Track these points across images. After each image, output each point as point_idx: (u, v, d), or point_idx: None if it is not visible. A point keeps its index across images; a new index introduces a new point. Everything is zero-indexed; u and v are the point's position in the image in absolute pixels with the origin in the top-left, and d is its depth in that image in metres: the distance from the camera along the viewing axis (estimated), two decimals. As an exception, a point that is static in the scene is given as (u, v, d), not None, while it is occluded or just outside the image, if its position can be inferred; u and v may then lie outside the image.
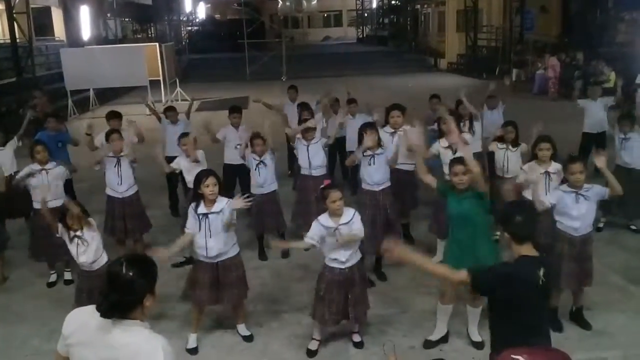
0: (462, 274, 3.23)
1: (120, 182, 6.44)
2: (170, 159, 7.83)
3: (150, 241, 6.88)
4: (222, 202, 4.71)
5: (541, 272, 3.14)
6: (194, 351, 4.90)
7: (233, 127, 7.68)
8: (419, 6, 37.61)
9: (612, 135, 7.73)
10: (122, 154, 6.44)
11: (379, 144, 5.84)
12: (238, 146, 7.31)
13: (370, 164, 5.86)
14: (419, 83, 23.56)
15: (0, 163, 7.04)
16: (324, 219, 4.60)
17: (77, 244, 4.92)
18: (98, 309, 2.36)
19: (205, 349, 4.96)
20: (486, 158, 7.19)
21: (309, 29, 58.30)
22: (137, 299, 2.39)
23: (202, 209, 4.69)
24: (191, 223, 4.74)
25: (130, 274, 2.37)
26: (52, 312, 5.56)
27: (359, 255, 4.76)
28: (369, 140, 5.68)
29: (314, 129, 6.76)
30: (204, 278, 4.78)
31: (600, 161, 4.85)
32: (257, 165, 6.58)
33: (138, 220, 6.64)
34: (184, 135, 6.58)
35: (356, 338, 4.95)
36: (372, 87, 22.38)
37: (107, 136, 6.63)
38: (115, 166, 6.42)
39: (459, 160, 4.66)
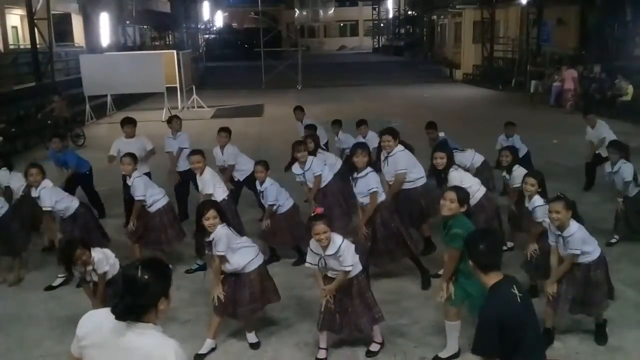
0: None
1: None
2: (183, 173, 7.93)
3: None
4: (215, 234, 4.76)
5: (515, 290, 3.16)
6: (200, 357, 4.90)
7: (219, 148, 7.76)
8: (435, 17, 37.65)
9: None
10: (132, 178, 6.46)
11: (368, 163, 5.98)
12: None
13: (354, 186, 6.03)
14: (435, 93, 23.55)
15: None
16: (314, 244, 4.66)
17: (92, 275, 5.09)
18: (113, 311, 2.39)
19: (215, 355, 4.97)
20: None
21: (325, 39, 58.62)
22: (152, 302, 2.42)
23: (208, 237, 4.81)
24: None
25: (146, 277, 2.40)
26: (64, 314, 5.61)
27: (358, 268, 4.77)
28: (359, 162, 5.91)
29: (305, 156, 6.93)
30: (224, 289, 4.89)
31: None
32: (260, 194, 6.69)
33: (157, 234, 6.62)
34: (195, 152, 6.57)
35: (372, 347, 4.91)
36: (388, 97, 22.42)
37: (122, 158, 6.66)
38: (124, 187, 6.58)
39: (453, 188, 4.71)
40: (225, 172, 7.71)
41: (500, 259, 3.31)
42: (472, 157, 7.70)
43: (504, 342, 3.15)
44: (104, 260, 5.08)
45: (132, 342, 2.40)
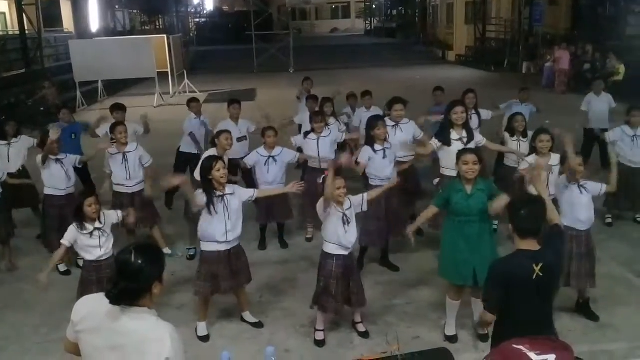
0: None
1: (129, 177, 6.40)
2: (188, 156, 7.83)
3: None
4: (232, 186, 4.89)
5: (538, 267, 3.14)
6: (206, 339, 4.99)
7: (232, 121, 7.68)
8: (427, -2, 37.45)
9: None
10: (127, 150, 6.41)
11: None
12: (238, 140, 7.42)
13: (383, 158, 5.93)
14: (427, 75, 23.48)
15: (10, 155, 7.09)
16: (332, 209, 4.66)
17: (99, 236, 4.92)
18: (107, 296, 2.40)
19: (212, 338, 5.02)
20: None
21: (316, 21, 58.18)
22: (146, 287, 2.44)
23: (217, 193, 4.76)
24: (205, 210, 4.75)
25: (139, 261, 2.41)
26: (60, 300, 5.60)
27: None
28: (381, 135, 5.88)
29: (324, 123, 6.86)
30: (219, 269, 4.84)
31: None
32: (266, 161, 6.48)
33: (147, 212, 6.62)
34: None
35: (361, 328, 5.00)
36: (380, 79, 22.33)
37: (112, 128, 6.58)
38: (122, 162, 6.40)
39: (470, 150, 4.71)
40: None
41: (539, 228, 3.27)
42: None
43: (506, 302, 3.20)
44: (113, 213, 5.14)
45: (127, 326, 2.42)
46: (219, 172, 4.69)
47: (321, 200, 4.67)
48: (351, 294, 4.77)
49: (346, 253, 4.70)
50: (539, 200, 3.46)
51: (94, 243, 4.92)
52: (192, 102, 8.25)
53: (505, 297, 3.20)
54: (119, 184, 6.47)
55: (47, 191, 6.36)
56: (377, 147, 5.90)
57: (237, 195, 4.84)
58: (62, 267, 6.41)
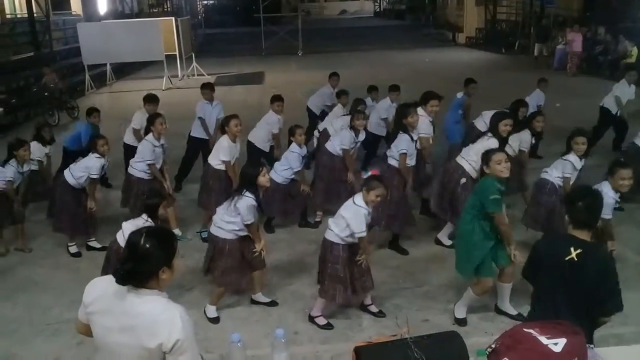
0: None
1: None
2: (200, 141, 7.99)
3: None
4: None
5: (575, 251, 3.11)
6: (215, 320, 5.02)
7: (278, 116, 7.72)
8: (437, -21, 37.01)
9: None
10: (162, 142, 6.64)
11: None
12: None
13: (415, 147, 6.04)
14: (437, 58, 23.29)
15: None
16: (364, 204, 4.63)
17: None
18: (114, 275, 2.42)
19: (221, 320, 5.04)
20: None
21: (325, 3, 57.74)
22: (152, 270, 2.43)
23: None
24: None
25: (148, 245, 2.41)
26: (71, 282, 5.68)
27: None
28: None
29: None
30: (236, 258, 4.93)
31: None
32: (302, 158, 6.68)
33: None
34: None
35: (374, 309, 5.03)
36: (389, 62, 22.19)
37: (152, 120, 6.65)
38: (161, 153, 6.66)
39: (501, 150, 4.72)
40: (276, 139, 7.80)
41: (594, 221, 3.27)
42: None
43: (538, 276, 3.30)
44: None
45: (138, 308, 2.42)
46: (264, 177, 4.81)
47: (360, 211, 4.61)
48: (355, 280, 4.79)
49: (355, 241, 4.73)
50: (597, 194, 3.43)
51: None
52: (204, 89, 8.22)
53: (536, 273, 3.28)
54: (142, 171, 6.61)
55: (69, 179, 6.32)
56: (414, 135, 5.99)
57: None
58: (73, 249, 6.46)
